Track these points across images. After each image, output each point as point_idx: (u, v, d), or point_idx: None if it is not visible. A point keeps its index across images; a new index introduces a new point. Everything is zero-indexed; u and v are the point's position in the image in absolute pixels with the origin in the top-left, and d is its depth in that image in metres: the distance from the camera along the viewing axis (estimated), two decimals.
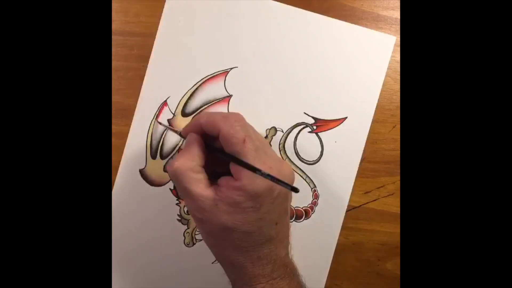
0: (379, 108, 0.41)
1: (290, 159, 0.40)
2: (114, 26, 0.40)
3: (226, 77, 0.40)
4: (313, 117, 0.40)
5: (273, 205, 0.30)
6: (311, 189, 0.40)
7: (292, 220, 0.40)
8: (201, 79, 0.40)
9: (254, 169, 0.28)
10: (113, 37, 0.40)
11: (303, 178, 0.40)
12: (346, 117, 0.40)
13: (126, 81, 0.40)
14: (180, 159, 0.31)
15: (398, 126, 0.41)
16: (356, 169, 0.40)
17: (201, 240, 0.40)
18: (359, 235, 0.40)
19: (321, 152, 0.40)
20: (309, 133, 0.40)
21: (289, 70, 0.40)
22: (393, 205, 0.40)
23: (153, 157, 0.40)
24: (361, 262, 0.40)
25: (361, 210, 0.40)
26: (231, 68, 0.40)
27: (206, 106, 0.40)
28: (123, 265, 0.40)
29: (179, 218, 0.40)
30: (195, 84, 0.40)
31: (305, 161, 0.40)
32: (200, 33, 0.40)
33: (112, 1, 0.40)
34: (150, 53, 0.40)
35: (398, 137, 0.41)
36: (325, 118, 0.40)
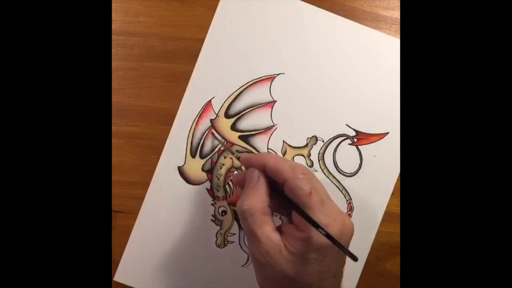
0: None
1: (328, 169, 0.40)
2: (114, 26, 0.40)
3: (272, 83, 0.40)
4: (354, 130, 0.40)
5: (334, 258, 0.30)
6: (346, 201, 0.40)
7: None
8: (247, 82, 0.40)
9: (321, 228, 0.28)
10: (113, 37, 0.40)
11: (340, 190, 0.40)
12: (387, 133, 0.40)
13: (126, 81, 0.40)
14: (251, 199, 0.31)
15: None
16: (393, 185, 0.40)
17: (233, 242, 0.40)
18: None
19: (359, 165, 0.40)
20: (350, 145, 0.40)
21: (334, 80, 0.40)
22: (393, 205, 0.40)
23: (193, 156, 0.40)
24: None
25: None
26: (278, 74, 0.40)
27: (249, 109, 0.40)
28: (155, 261, 0.40)
29: (213, 219, 0.40)
30: (241, 87, 0.40)
31: (342, 172, 0.40)
32: (251, 36, 0.40)
33: (112, 1, 0.40)
34: (150, 53, 0.40)
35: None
36: (367, 132, 0.40)
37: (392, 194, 0.40)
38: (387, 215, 0.40)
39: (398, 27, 0.41)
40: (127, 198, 0.40)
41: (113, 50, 0.40)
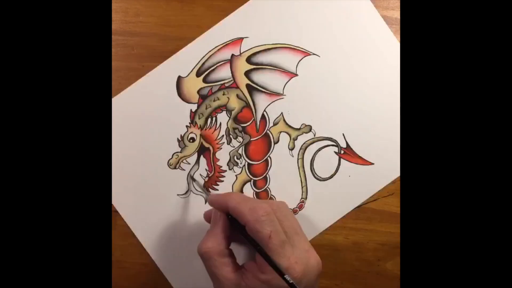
0: None
1: (303, 162, 0.40)
2: (114, 26, 0.40)
3: (304, 58, 0.40)
4: (346, 142, 0.40)
5: None
6: (300, 199, 0.40)
7: None
8: (284, 44, 0.40)
9: (280, 273, 0.29)
10: (113, 37, 0.40)
11: (301, 186, 0.40)
12: (372, 163, 0.40)
13: (126, 81, 0.40)
14: (209, 242, 0.32)
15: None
16: (342, 215, 0.40)
17: (183, 170, 0.40)
18: (359, 235, 0.40)
19: (331, 175, 0.40)
20: (334, 152, 0.40)
21: (356, 86, 0.40)
22: (393, 205, 0.40)
23: (197, 75, 0.40)
24: (361, 262, 0.40)
25: (361, 210, 0.40)
26: (313, 54, 0.40)
27: (271, 67, 0.40)
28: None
29: (180, 140, 0.40)
30: (276, 44, 0.40)
31: (313, 172, 0.40)
32: (309, 7, 0.40)
33: (112, 1, 0.40)
34: (150, 53, 0.40)
35: None
36: (355, 151, 0.40)
37: (392, 194, 0.40)
38: (387, 215, 0.40)
39: (398, 27, 0.41)
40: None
41: (113, 50, 0.40)
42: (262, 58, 0.40)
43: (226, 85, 0.40)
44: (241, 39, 0.40)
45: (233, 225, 0.33)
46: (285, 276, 0.28)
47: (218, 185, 0.40)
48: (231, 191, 0.40)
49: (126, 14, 0.40)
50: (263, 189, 0.40)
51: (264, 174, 0.40)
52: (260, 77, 0.40)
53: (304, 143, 0.40)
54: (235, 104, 0.40)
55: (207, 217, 0.37)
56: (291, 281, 0.28)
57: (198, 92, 0.40)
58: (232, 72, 0.40)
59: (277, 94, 0.40)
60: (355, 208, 0.40)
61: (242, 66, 0.40)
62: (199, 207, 0.40)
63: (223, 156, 0.40)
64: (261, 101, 0.40)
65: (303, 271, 0.30)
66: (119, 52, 0.40)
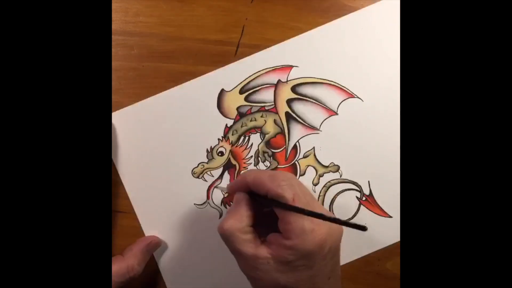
0: None
1: (323, 201, 0.40)
2: (114, 26, 0.40)
3: (347, 99, 0.40)
4: (370, 190, 0.40)
5: (325, 261, 0.30)
6: None
7: None
8: (332, 81, 0.40)
9: (321, 216, 0.28)
10: (113, 37, 0.40)
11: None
12: (391, 217, 0.39)
13: (126, 81, 0.40)
14: (229, 220, 0.31)
15: None
16: (345, 262, 0.39)
17: (205, 181, 0.40)
18: None
19: (347, 220, 0.39)
20: (356, 198, 0.40)
21: (389, 141, 0.40)
22: None
23: (240, 92, 0.40)
24: (361, 262, 0.40)
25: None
26: (357, 97, 0.40)
27: (312, 101, 0.40)
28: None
29: (209, 151, 0.40)
30: (324, 79, 0.40)
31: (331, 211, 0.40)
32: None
33: (112, 1, 0.40)
34: (150, 53, 0.40)
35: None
36: (378, 201, 0.40)
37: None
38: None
39: None
40: (127, 198, 0.40)
41: (113, 50, 0.40)
42: (306, 90, 0.40)
43: (266, 108, 0.40)
44: (291, 67, 0.40)
45: (255, 199, 0.32)
46: (323, 215, 0.28)
47: None
48: None
49: (126, 14, 0.40)
50: None
51: None
52: (301, 108, 0.40)
53: (329, 182, 0.40)
54: (270, 128, 0.40)
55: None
56: (330, 217, 0.28)
57: (237, 108, 0.40)
58: (274, 97, 0.40)
59: (313, 128, 0.40)
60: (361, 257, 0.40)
61: (286, 93, 0.40)
62: (212, 220, 0.40)
63: None
64: (297, 131, 0.40)
65: (327, 232, 0.29)
66: (119, 52, 0.40)
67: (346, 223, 0.27)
